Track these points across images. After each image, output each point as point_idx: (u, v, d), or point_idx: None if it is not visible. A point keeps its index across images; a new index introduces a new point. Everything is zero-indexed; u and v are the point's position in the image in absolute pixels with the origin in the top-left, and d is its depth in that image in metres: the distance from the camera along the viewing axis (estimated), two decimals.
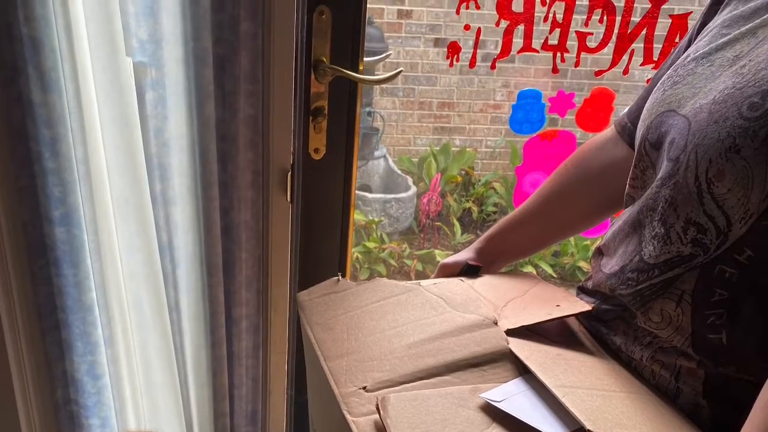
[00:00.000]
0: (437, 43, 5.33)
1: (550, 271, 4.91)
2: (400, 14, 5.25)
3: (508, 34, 2.27)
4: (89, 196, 1.70)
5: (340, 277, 1.51)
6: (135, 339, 1.91)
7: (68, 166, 1.65)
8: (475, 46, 2.37)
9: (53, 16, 1.53)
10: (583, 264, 4.87)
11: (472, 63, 2.40)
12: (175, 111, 1.72)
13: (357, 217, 4.98)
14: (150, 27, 1.65)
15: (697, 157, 1.09)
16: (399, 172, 5.54)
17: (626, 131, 1.49)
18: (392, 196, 5.25)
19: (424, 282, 1.48)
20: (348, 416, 1.16)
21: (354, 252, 4.81)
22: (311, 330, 1.40)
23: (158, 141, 1.74)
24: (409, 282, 1.48)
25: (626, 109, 1.54)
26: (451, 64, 2.39)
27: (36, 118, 1.59)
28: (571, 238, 4.83)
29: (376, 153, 5.48)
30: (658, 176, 1.19)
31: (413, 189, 5.35)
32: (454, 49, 2.42)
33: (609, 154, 1.53)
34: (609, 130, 1.57)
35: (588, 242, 4.83)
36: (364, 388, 1.20)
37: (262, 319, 1.98)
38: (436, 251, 4.99)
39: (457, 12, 2.22)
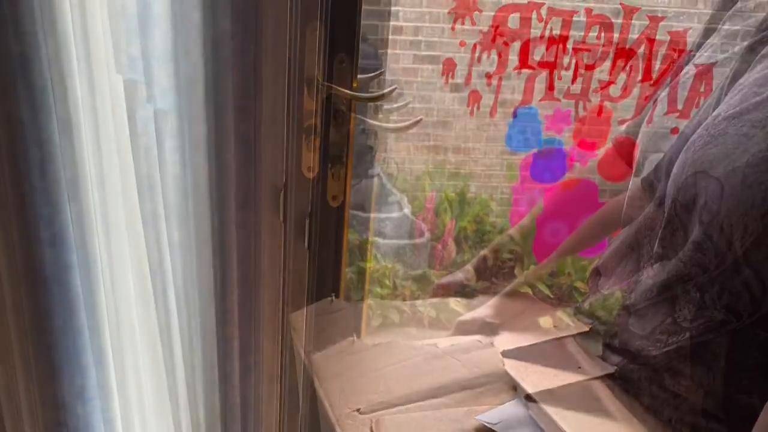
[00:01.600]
0: (453, 88, 5.34)
1: (547, 291, 4.87)
2: (416, 59, 5.26)
3: (529, 82, 2.26)
4: (79, 215, 1.68)
5: (355, 337, 1.51)
6: (127, 361, 1.89)
7: (57, 187, 1.63)
8: (497, 94, 2.36)
9: (42, 34, 1.52)
10: (580, 285, 4.84)
11: (493, 112, 2.39)
12: (168, 128, 1.70)
13: (370, 264, 4.98)
14: (141, 44, 1.63)
15: (732, 222, 1.07)
16: (413, 218, 5.54)
17: (652, 189, 1.46)
18: (406, 241, 5.25)
19: (440, 343, 1.48)
20: None
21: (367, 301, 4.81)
22: (325, 393, 1.39)
23: (149, 160, 1.71)
24: (425, 342, 1.47)
25: (653, 166, 1.52)
26: (472, 113, 2.38)
27: (55, 158, 1.59)
28: (568, 259, 4.83)
29: (390, 199, 5.48)
30: (690, 240, 1.17)
31: (427, 235, 5.34)
32: (474, 98, 2.41)
33: (633, 211, 1.51)
34: (634, 189, 1.54)
35: (585, 262, 4.79)
36: (359, 410, 1.19)
37: (276, 366, 1.96)
38: (450, 298, 4.97)
39: (478, 60, 2.20)
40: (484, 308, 1.63)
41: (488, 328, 1.56)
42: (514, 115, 2.42)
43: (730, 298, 1.09)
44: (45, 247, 1.66)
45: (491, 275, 1.62)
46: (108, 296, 1.79)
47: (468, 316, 1.62)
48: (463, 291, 1.57)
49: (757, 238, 1.04)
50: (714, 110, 1.30)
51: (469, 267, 1.65)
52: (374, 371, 1.39)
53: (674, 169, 1.29)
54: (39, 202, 1.62)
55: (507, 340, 1.50)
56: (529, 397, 1.25)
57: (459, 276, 1.62)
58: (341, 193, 1.84)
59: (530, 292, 4.24)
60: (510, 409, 1.16)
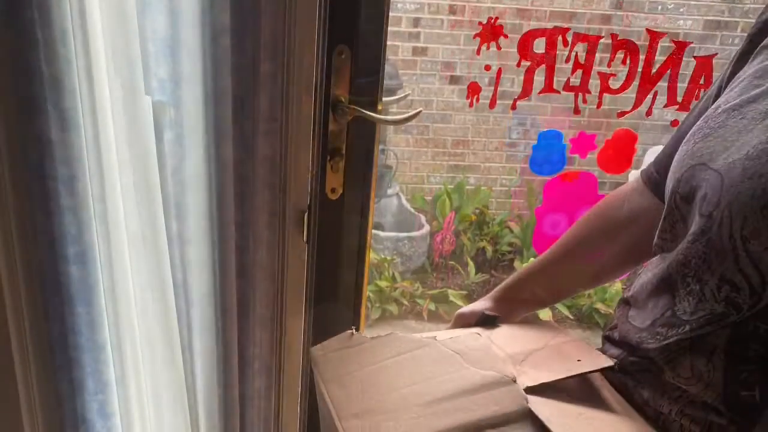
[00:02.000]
0: (452, 80, 5.32)
1: (566, 312, 4.88)
2: (416, 51, 5.25)
3: (529, 74, 2.25)
4: (105, 234, 1.68)
5: (353, 330, 1.49)
6: (147, 379, 1.89)
7: (85, 205, 1.62)
8: (496, 86, 2.36)
9: (74, 55, 1.52)
10: (600, 306, 4.84)
11: (492, 103, 2.39)
12: (193, 150, 1.70)
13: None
14: (170, 66, 1.64)
15: (731, 214, 1.07)
16: (412, 210, 5.52)
17: (653, 181, 1.47)
18: (405, 234, 5.23)
19: (440, 335, 1.45)
20: None
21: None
22: (325, 387, 1.38)
23: (175, 180, 1.72)
24: (424, 335, 1.45)
25: (653, 159, 1.52)
26: (471, 105, 2.38)
27: (54, 156, 1.57)
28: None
29: (389, 191, 5.46)
30: (690, 231, 1.17)
31: (426, 227, 5.33)
32: (474, 90, 2.40)
33: (634, 204, 1.50)
34: (634, 181, 1.54)
35: (606, 285, 4.81)
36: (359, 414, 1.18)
37: (275, 359, 1.95)
38: (450, 291, 4.96)
39: (478, 52, 2.20)
40: (484, 300, 1.62)
41: (487, 321, 1.56)
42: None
43: (730, 290, 1.09)
44: (71, 264, 1.65)
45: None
46: (131, 313, 1.79)
47: (467, 308, 1.61)
48: (485, 322, 1.56)
49: (757, 230, 1.04)
50: (714, 102, 1.32)
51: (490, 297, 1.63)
52: (373, 365, 1.39)
53: (674, 162, 1.29)
54: (66, 219, 1.62)
55: (506, 333, 1.49)
56: (529, 390, 1.26)
57: (479, 305, 1.61)
58: (365, 214, 1.85)
59: (550, 316, 4.23)
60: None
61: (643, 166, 1.54)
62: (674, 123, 1.91)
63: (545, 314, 4.52)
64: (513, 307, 1.61)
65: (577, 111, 2.35)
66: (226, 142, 1.69)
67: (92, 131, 1.60)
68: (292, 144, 1.71)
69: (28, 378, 1.75)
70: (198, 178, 1.73)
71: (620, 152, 2.51)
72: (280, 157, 1.72)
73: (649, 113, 2.32)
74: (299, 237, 1.79)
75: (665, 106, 2.30)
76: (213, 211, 1.77)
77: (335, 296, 1.96)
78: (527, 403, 1.23)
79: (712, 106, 1.28)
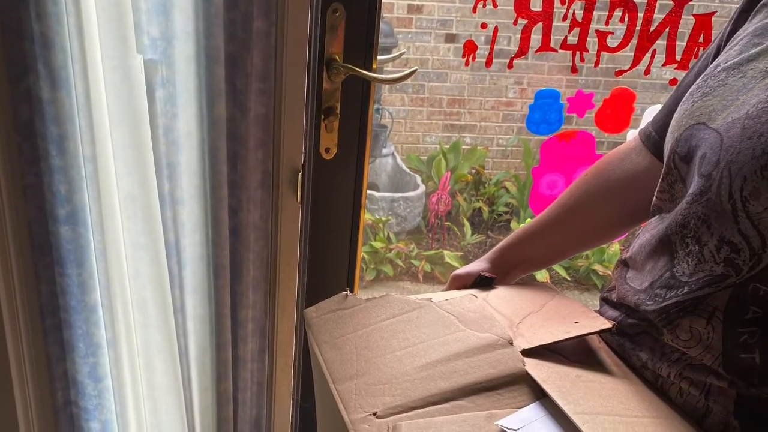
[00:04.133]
0: (448, 38, 5.30)
1: (564, 274, 4.87)
2: (411, 9, 5.22)
3: (525, 32, 2.23)
4: (96, 194, 1.67)
5: (348, 292, 1.47)
6: (138, 340, 1.88)
7: (75, 164, 1.62)
8: (492, 45, 2.34)
9: (65, 13, 1.50)
10: (598, 267, 4.83)
11: (489, 62, 2.37)
12: (186, 109, 1.69)
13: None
14: (162, 24, 1.62)
15: (731, 174, 1.06)
16: (407, 170, 5.51)
17: (651, 141, 1.45)
18: (400, 194, 5.22)
19: (435, 297, 1.44)
20: None
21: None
22: (319, 349, 1.36)
23: (167, 139, 1.70)
24: (419, 297, 1.44)
25: (651, 118, 1.50)
26: (467, 63, 2.35)
27: (44, 116, 1.56)
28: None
29: (384, 151, 5.45)
30: (689, 192, 1.16)
31: (422, 188, 5.32)
32: (470, 48, 2.38)
33: (632, 164, 1.49)
34: (632, 140, 1.53)
35: (604, 245, 4.80)
36: (375, 413, 1.17)
37: (268, 321, 1.94)
38: (445, 252, 4.96)
39: (474, 10, 2.18)
40: (480, 262, 1.61)
41: (484, 282, 1.54)
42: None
43: (729, 251, 1.07)
44: (61, 225, 1.65)
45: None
46: (123, 275, 1.78)
47: (463, 270, 1.59)
48: (481, 283, 1.54)
49: (757, 190, 1.02)
50: (713, 61, 1.30)
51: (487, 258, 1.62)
52: (368, 327, 1.38)
53: (672, 121, 1.28)
54: (56, 179, 1.61)
55: (502, 295, 1.48)
56: (526, 352, 1.24)
57: (476, 267, 1.59)
58: (359, 174, 1.84)
59: (547, 279, 4.22)
60: (531, 413, 1.14)
61: (642, 126, 1.52)
62: (672, 82, 1.89)
63: (542, 276, 4.51)
64: (510, 269, 1.60)
65: (574, 70, 2.32)
66: (218, 101, 1.67)
67: (83, 90, 1.59)
68: (285, 103, 1.69)
69: (18, 340, 1.75)
70: (190, 137, 1.71)
71: (618, 111, 2.50)
72: (274, 116, 1.71)
73: (647, 72, 2.30)
74: (293, 197, 1.78)
75: (664, 65, 2.28)
76: (205, 170, 1.75)
77: (329, 257, 1.94)
78: (524, 365, 1.21)
79: (712, 65, 1.27)
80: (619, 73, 2.38)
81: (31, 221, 1.65)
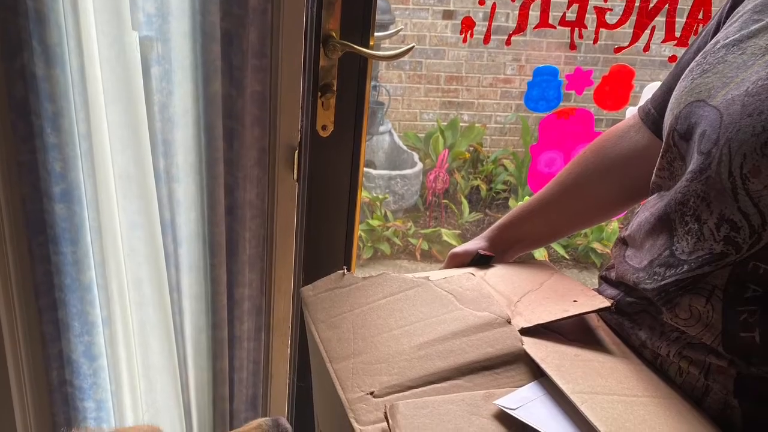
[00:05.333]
0: (446, 15, 5.28)
1: (562, 252, 4.87)
2: None
3: (524, 8, 2.22)
4: (91, 172, 1.67)
5: (345, 270, 1.46)
6: (134, 319, 1.87)
7: (70, 142, 1.61)
8: (490, 21, 2.32)
9: None
10: (596, 245, 4.82)
11: (487, 39, 2.35)
12: (181, 86, 1.68)
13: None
14: (157, 1, 1.61)
15: (731, 151, 1.05)
16: (404, 147, 5.50)
17: (650, 118, 1.44)
18: (397, 172, 5.21)
19: (433, 275, 1.43)
20: (355, 424, 1.11)
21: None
22: (316, 328, 1.36)
23: (163, 117, 1.70)
24: (417, 276, 1.43)
25: (650, 95, 1.50)
26: (465, 40, 2.35)
27: (39, 92, 1.55)
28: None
29: (381, 128, 5.44)
30: (689, 169, 1.15)
31: (419, 165, 5.30)
32: (467, 25, 2.36)
33: (631, 141, 1.48)
34: (631, 117, 1.52)
35: (603, 223, 4.80)
36: (372, 393, 1.16)
37: (264, 300, 1.94)
38: (443, 230, 4.95)
39: None
40: (478, 240, 1.60)
41: (482, 261, 1.54)
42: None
43: (729, 229, 1.07)
44: (56, 202, 1.65)
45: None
46: (118, 253, 1.77)
47: (461, 248, 1.59)
48: (479, 262, 1.53)
49: (757, 167, 1.02)
50: (712, 37, 1.29)
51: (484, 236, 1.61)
52: (364, 306, 1.37)
53: (672, 98, 1.27)
54: (51, 157, 1.61)
55: (500, 274, 1.48)
56: (524, 331, 1.24)
57: (473, 245, 1.58)
58: (356, 152, 1.83)
59: (546, 255, 4.21)
60: (529, 392, 1.14)
61: (641, 103, 1.52)
62: (672, 59, 1.88)
63: (540, 254, 4.51)
64: (508, 247, 1.59)
65: (573, 46, 2.31)
66: (214, 79, 1.66)
67: (78, 67, 1.58)
68: (282, 80, 1.68)
69: (13, 319, 1.74)
70: (186, 114, 1.70)
71: (617, 88, 2.49)
72: (270, 94, 1.70)
73: (646, 49, 2.29)
74: (289, 175, 1.77)
75: (663, 42, 2.27)
76: (201, 148, 1.74)
77: (326, 236, 1.94)
78: (522, 344, 1.21)
79: (711, 42, 1.26)
80: (618, 49, 2.37)
81: (25, 199, 1.65)
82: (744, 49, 1.15)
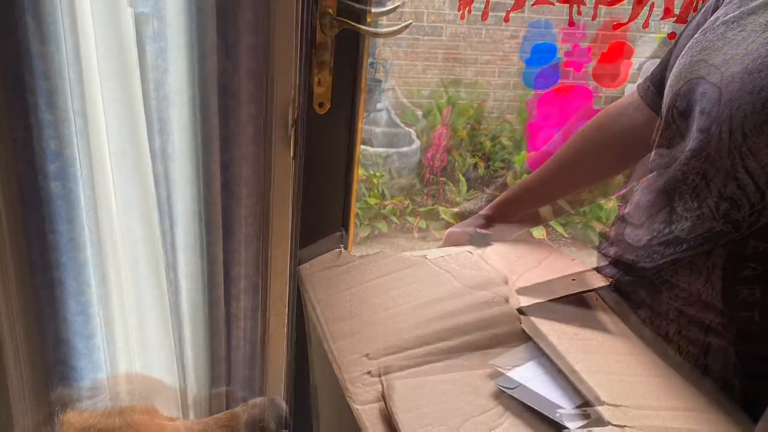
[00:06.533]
0: None
1: (561, 230, 4.86)
2: None
3: None
4: (86, 149, 1.65)
5: (342, 249, 1.46)
6: (130, 298, 1.86)
7: (65, 119, 1.60)
8: None
9: None
10: (596, 224, 4.82)
11: (485, 15, 2.34)
12: (177, 64, 1.67)
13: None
14: None
15: (731, 129, 1.05)
16: (402, 125, 5.49)
17: (649, 95, 1.43)
18: (395, 150, 5.20)
19: (430, 254, 1.43)
20: (353, 404, 1.11)
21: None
22: (313, 307, 1.36)
23: (158, 94, 1.68)
24: (414, 254, 1.43)
25: (649, 72, 1.49)
26: (463, 17, 2.33)
27: (33, 70, 1.54)
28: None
29: (379, 105, 5.42)
30: (688, 147, 1.15)
31: (417, 143, 5.29)
32: (465, 2, 2.35)
33: (630, 119, 1.48)
34: (630, 95, 1.51)
35: (601, 202, 4.79)
36: (369, 372, 1.16)
37: (261, 279, 1.93)
38: (441, 208, 4.95)
39: None
40: (476, 218, 1.60)
41: (480, 239, 1.54)
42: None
43: (729, 207, 1.08)
44: (51, 180, 1.63)
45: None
46: (114, 231, 1.77)
47: (458, 226, 1.59)
48: (477, 240, 1.53)
49: (755, 145, 1.03)
50: (712, 14, 1.29)
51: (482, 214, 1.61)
52: (362, 284, 1.37)
53: (671, 75, 1.28)
54: (46, 134, 1.59)
55: (498, 252, 1.48)
56: (522, 310, 1.24)
57: (471, 223, 1.58)
58: (353, 129, 1.82)
59: (544, 234, 4.21)
60: (527, 371, 1.14)
61: (640, 80, 1.51)
62: (671, 35, 1.88)
63: (539, 232, 4.51)
64: (506, 225, 1.59)
65: (571, 23, 2.30)
66: (210, 56, 1.66)
67: (73, 44, 1.56)
68: (277, 57, 1.67)
69: (8, 298, 1.73)
70: (181, 92, 1.69)
71: (616, 66, 2.48)
72: (266, 71, 1.69)
73: (645, 25, 2.28)
74: (285, 152, 1.76)
75: (662, 18, 2.26)
76: (197, 125, 1.74)
77: (323, 213, 1.93)
78: (520, 323, 1.21)
79: (711, 18, 1.26)
80: (617, 26, 2.37)
81: (20, 177, 1.63)
82: (744, 26, 1.15)
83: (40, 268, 1.72)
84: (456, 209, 4.96)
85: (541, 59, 2.50)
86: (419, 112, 5.51)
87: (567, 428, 0.99)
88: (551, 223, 4.73)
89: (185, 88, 1.70)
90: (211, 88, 1.68)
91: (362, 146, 4.81)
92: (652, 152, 1.31)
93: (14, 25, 1.50)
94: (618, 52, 2.47)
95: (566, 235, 4.91)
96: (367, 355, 1.19)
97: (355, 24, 1.69)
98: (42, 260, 1.71)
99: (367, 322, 1.26)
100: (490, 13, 2.34)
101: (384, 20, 1.87)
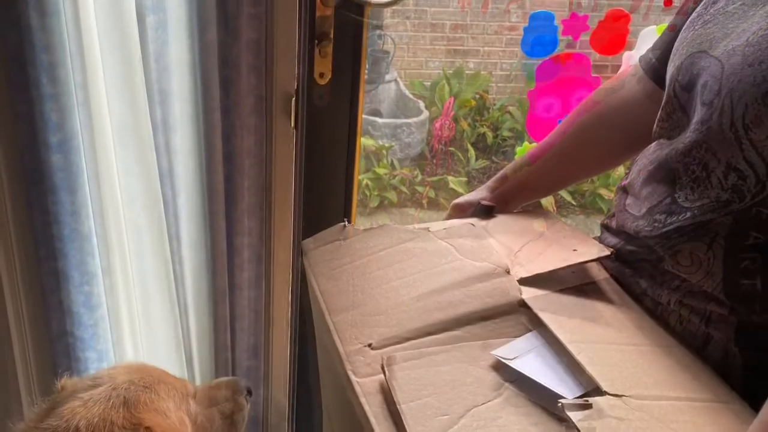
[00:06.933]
0: None
1: (569, 198, 4.85)
2: None
3: None
4: (88, 122, 1.65)
5: (346, 222, 1.46)
6: (133, 269, 1.87)
7: (66, 92, 1.60)
8: None
9: None
10: (603, 191, 4.81)
11: None
12: (176, 35, 1.67)
13: (367, 142, 4.92)
14: None
15: (732, 101, 1.05)
16: (410, 96, 5.48)
17: (651, 67, 1.43)
18: (403, 120, 5.19)
19: (433, 226, 1.42)
20: (352, 376, 1.12)
21: (364, 179, 4.76)
22: (316, 280, 1.36)
23: (159, 66, 1.68)
24: (417, 227, 1.42)
25: (647, 41, 1.49)
26: None
27: (34, 43, 1.54)
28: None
29: (387, 77, 5.41)
30: (693, 120, 1.15)
31: (425, 113, 5.29)
32: None
33: (632, 91, 1.47)
34: (633, 67, 1.51)
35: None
36: (370, 345, 1.16)
37: (264, 248, 1.93)
38: (449, 177, 4.94)
39: None
40: (481, 190, 1.60)
41: (484, 211, 1.53)
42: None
43: (736, 178, 1.07)
44: (53, 153, 1.64)
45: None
46: (116, 202, 1.77)
47: (463, 198, 1.59)
48: (481, 212, 1.53)
49: (758, 117, 1.02)
50: None
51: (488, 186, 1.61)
52: (364, 257, 1.37)
53: (674, 49, 1.27)
54: (48, 107, 1.59)
55: (502, 224, 1.48)
56: (523, 281, 1.24)
57: (476, 196, 1.58)
58: (354, 99, 1.82)
59: (552, 205, 4.19)
60: (526, 342, 1.14)
61: (639, 50, 1.51)
62: (667, 2, 1.86)
63: (548, 200, 4.50)
64: (510, 197, 1.59)
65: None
66: (209, 27, 1.66)
67: (73, 17, 1.56)
68: (277, 28, 1.67)
69: (13, 270, 1.74)
70: (182, 63, 1.69)
71: (613, 33, 2.47)
72: (266, 41, 1.69)
73: None
74: (287, 122, 1.76)
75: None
76: (198, 96, 1.74)
77: (326, 184, 1.93)
78: (521, 294, 1.20)
79: None
80: None
81: (22, 150, 1.64)
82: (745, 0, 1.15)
83: (44, 239, 1.72)
84: (464, 178, 4.96)
85: (538, 27, 2.50)
86: (427, 83, 5.50)
87: (568, 418, 0.99)
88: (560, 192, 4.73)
89: (185, 59, 1.70)
90: (211, 59, 1.68)
91: (371, 117, 4.81)
92: (655, 124, 1.30)
93: None
94: (615, 19, 2.46)
95: (574, 203, 4.90)
96: (367, 329, 1.19)
97: None
98: (44, 232, 1.72)
99: (369, 294, 1.27)
100: None
101: None
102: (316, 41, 1.74)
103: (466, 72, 5.37)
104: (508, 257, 1.30)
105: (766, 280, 1.06)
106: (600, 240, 1.40)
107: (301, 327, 2.07)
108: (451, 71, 5.36)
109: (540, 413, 1.04)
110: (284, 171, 1.83)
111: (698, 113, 1.13)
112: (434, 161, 5.27)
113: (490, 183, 1.61)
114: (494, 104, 5.43)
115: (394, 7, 5.19)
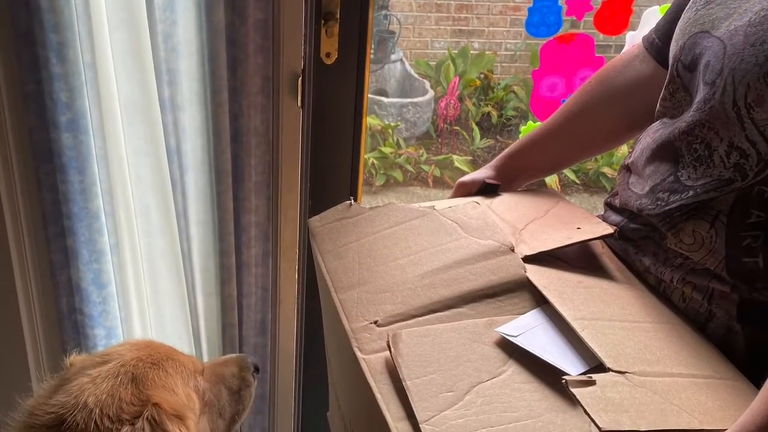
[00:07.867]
0: None
1: (573, 177, 4.85)
2: None
3: None
4: (97, 101, 1.67)
5: (352, 200, 1.46)
6: (142, 247, 1.89)
7: (75, 71, 1.61)
8: None
9: None
10: (607, 170, 4.81)
11: None
12: (184, 15, 1.68)
13: (373, 121, 4.93)
14: None
15: (734, 81, 1.05)
16: (416, 75, 5.47)
17: (654, 47, 1.43)
18: (409, 100, 5.20)
19: (438, 205, 1.43)
20: (358, 353, 1.12)
21: (370, 157, 4.77)
22: (322, 259, 1.36)
23: (167, 46, 1.69)
24: (423, 205, 1.43)
25: (650, 21, 1.49)
26: None
27: (44, 23, 1.55)
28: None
29: (393, 57, 5.41)
30: (695, 100, 1.15)
31: (431, 93, 5.29)
32: None
33: (635, 70, 1.47)
34: (636, 47, 1.51)
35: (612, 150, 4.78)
36: (375, 322, 1.16)
37: (271, 226, 1.95)
38: (455, 156, 4.94)
39: None
40: (485, 169, 1.59)
41: (488, 189, 1.53)
42: None
43: (739, 156, 1.08)
44: (63, 132, 1.65)
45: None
46: (125, 181, 1.79)
47: (468, 177, 1.59)
48: (486, 190, 1.53)
49: (760, 96, 1.03)
50: None
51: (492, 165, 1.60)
52: (370, 236, 1.37)
53: (677, 29, 1.27)
54: (57, 87, 1.61)
55: (506, 202, 1.48)
56: (527, 259, 1.24)
57: (480, 174, 1.58)
58: (360, 78, 1.83)
59: (556, 183, 4.17)
60: (531, 319, 1.14)
61: (642, 29, 1.51)
62: None
63: (551, 179, 4.50)
64: (514, 176, 1.59)
65: None
66: (217, 7, 1.66)
67: None
68: (284, 8, 1.68)
69: (22, 247, 1.76)
70: (189, 43, 1.70)
71: (617, 13, 2.47)
72: (273, 22, 1.69)
73: None
74: (293, 102, 1.77)
75: None
76: (205, 76, 1.75)
77: (332, 163, 1.94)
78: (525, 272, 1.21)
79: None
80: None
81: (32, 129, 1.66)
82: None
83: (53, 218, 1.74)
84: (469, 157, 4.96)
85: (543, 7, 2.49)
86: (433, 63, 5.50)
87: (572, 395, 1.00)
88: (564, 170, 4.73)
89: (193, 39, 1.71)
90: (219, 39, 1.69)
91: (377, 97, 4.81)
92: (657, 104, 1.31)
93: None
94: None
95: (578, 181, 4.90)
96: (373, 306, 1.20)
97: None
98: (54, 210, 1.73)
99: (375, 272, 1.27)
100: None
101: None
102: (323, 21, 1.75)
103: (471, 52, 5.36)
104: (512, 235, 1.30)
105: (766, 257, 1.07)
106: (603, 218, 1.40)
107: (308, 304, 2.08)
108: (456, 51, 5.36)
109: (544, 389, 1.04)
110: (291, 150, 1.84)
111: (701, 93, 1.13)
112: (439, 140, 5.27)
113: (494, 162, 1.61)
114: (499, 84, 5.43)
115: None
